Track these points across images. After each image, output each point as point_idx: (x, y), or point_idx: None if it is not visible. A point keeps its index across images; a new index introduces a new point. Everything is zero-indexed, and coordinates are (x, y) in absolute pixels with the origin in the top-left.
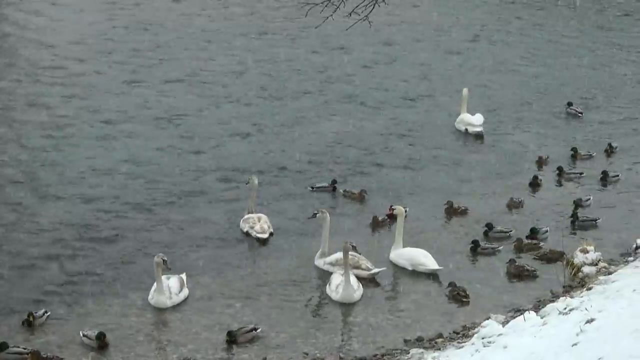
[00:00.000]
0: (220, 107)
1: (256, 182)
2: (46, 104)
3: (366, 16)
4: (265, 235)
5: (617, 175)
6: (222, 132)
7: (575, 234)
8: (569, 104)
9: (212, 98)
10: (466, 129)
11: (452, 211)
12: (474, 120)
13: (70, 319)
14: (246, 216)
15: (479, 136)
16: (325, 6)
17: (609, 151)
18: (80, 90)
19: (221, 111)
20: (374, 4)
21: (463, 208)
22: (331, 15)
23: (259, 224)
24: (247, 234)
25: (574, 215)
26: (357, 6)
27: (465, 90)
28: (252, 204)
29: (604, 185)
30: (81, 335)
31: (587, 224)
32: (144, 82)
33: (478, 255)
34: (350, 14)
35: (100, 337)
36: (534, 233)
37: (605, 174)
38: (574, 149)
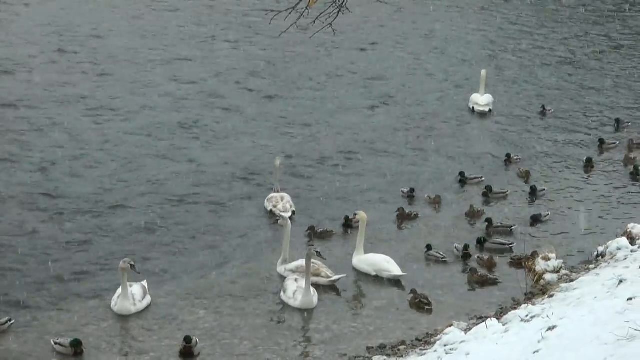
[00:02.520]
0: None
1: (277, 163)
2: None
3: (330, 24)
4: (288, 215)
5: (544, 190)
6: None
7: (535, 240)
8: (543, 107)
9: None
10: (473, 108)
11: (404, 217)
12: (480, 100)
13: (32, 326)
14: (270, 195)
15: (482, 115)
16: (290, 14)
17: (588, 166)
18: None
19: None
20: (338, 12)
21: (415, 214)
22: (295, 22)
23: (281, 203)
24: (271, 212)
25: (488, 220)
26: (320, 14)
27: (483, 72)
28: (277, 184)
29: (532, 200)
30: (52, 343)
31: (500, 230)
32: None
33: (433, 261)
34: (314, 22)
35: (75, 344)
36: (485, 241)
37: (533, 189)
38: (508, 155)
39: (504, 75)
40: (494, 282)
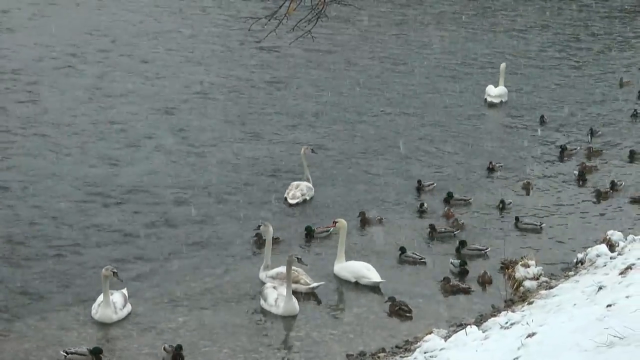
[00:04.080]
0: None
1: (303, 151)
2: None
3: (309, 31)
4: (294, 201)
5: (510, 203)
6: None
7: (513, 246)
8: (542, 117)
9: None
10: (486, 99)
11: (366, 222)
12: (492, 92)
13: (10, 334)
14: (292, 183)
15: (493, 106)
16: (269, 20)
17: (580, 178)
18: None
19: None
20: (317, 20)
21: (378, 218)
22: (274, 30)
23: (294, 190)
24: (285, 199)
25: (431, 227)
26: (299, 21)
27: (502, 65)
28: (307, 173)
29: (500, 212)
30: (64, 354)
31: (444, 235)
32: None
33: (411, 265)
34: (293, 29)
35: (96, 352)
36: (462, 246)
37: (502, 202)
38: (491, 163)
39: (524, 73)
40: (467, 292)
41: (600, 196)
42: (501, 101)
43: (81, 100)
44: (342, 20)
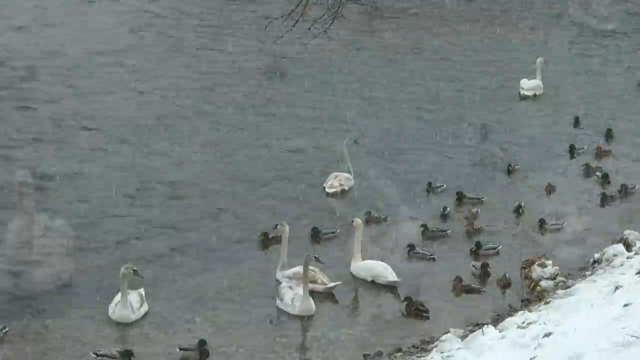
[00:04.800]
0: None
1: (344, 142)
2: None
3: (325, 30)
4: (331, 190)
5: (524, 205)
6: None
7: (530, 245)
8: (576, 119)
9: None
10: (519, 92)
11: (370, 220)
12: (526, 85)
13: (27, 334)
14: (332, 174)
15: (525, 98)
16: (285, 20)
17: (600, 177)
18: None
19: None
20: (333, 19)
21: (383, 217)
22: (290, 29)
23: (332, 180)
24: (324, 189)
25: (424, 226)
26: (316, 20)
27: (539, 60)
28: (349, 164)
29: (517, 214)
30: (94, 355)
31: (437, 235)
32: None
33: (418, 262)
34: (310, 29)
35: (128, 354)
36: (478, 247)
37: (520, 205)
38: (509, 164)
39: (562, 70)
40: (479, 292)
41: (605, 200)
42: (534, 94)
43: (128, 94)
44: (376, 17)
